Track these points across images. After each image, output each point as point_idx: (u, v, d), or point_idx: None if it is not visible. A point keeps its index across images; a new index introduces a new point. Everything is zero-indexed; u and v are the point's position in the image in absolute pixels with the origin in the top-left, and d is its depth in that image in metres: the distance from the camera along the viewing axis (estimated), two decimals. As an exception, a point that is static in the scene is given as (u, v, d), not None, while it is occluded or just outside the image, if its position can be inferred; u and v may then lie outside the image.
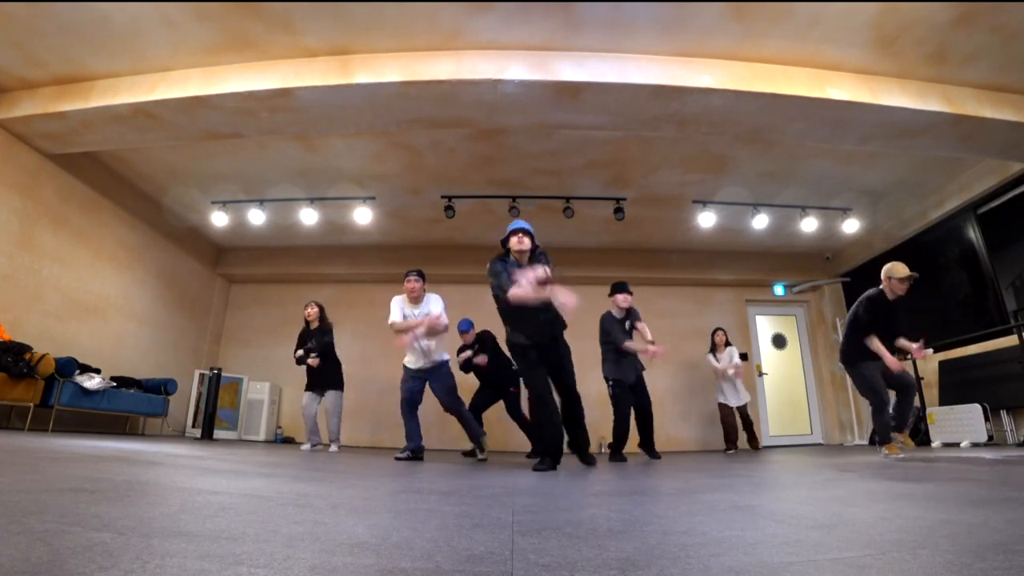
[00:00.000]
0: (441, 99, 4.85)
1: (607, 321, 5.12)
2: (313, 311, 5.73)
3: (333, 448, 5.60)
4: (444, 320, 4.47)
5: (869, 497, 1.82)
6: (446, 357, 4.71)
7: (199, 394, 7.90)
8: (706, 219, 7.33)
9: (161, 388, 6.99)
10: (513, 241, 3.49)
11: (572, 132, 5.64)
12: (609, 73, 4.64)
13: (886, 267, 4.26)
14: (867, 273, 8.39)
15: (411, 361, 4.60)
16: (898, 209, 7.44)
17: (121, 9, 4.30)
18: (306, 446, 5.58)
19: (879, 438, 4.24)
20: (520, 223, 3.55)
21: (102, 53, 4.81)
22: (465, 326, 6.05)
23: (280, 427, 8.40)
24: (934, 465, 3.22)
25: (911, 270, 4.17)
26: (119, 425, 6.85)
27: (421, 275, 4.66)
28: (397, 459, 4.24)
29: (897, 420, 4.25)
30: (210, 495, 1.58)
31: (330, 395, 5.68)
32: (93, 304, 6.52)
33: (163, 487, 1.78)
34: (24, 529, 0.92)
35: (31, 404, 5.21)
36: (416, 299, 4.59)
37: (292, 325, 6.84)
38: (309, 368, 5.60)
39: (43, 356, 5.24)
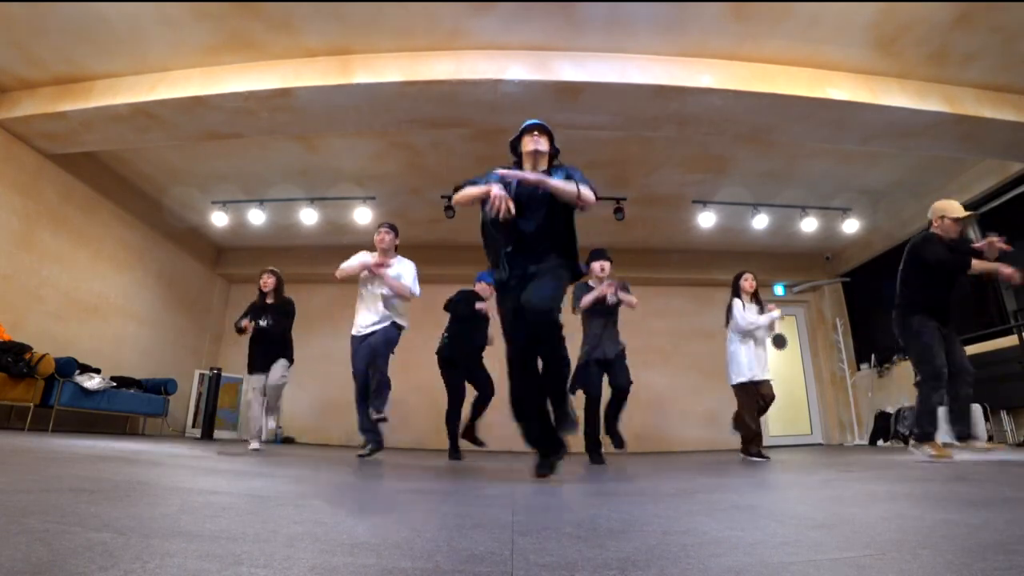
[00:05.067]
0: (441, 99, 4.85)
1: (577, 289, 4.40)
2: (269, 280, 4.78)
3: (254, 445, 4.46)
4: (412, 289, 4.15)
5: (869, 497, 1.82)
6: (405, 324, 4.20)
7: (199, 394, 7.90)
8: (706, 219, 7.32)
9: (161, 388, 6.99)
10: (527, 141, 2.64)
11: (572, 132, 5.63)
12: (609, 73, 4.64)
13: (937, 204, 3.60)
14: (867, 273, 8.40)
15: (362, 321, 4.13)
16: (898, 209, 7.44)
17: (121, 9, 4.30)
18: (257, 443, 4.52)
19: (918, 430, 3.50)
20: (536, 120, 2.73)
21: (102, 53, 4.81)
22: (486, 277, 4.93)
23: (280, 427, 8.39)
24: (934, 465, 3.22)
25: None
26: (119, 425, 6.85)
27: (393, 228, 4.31)
28: (360, 456, 3.93)
29: (953, 421, 3.52)
30: (210, 495, 1.58)
31: (277, 367, 4.62)
32: (93, 304, 6.52)
33: (163, 487, 1.78)
34: (24, 529, 0.92)
35: (31, 404, 5.21)
36: (385, 253, 4.24)
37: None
38: (254, 346, 4.70)
39: (43, 356, 5.24)
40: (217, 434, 7.59)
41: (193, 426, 7.74)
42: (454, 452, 4.82)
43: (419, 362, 4.36)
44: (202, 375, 8.00)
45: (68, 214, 6.11)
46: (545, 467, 2.48)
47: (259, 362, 4.64)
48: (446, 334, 4.94)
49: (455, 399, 4.88)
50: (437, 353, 4.91)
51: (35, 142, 5.60)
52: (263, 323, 4.64)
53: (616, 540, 1.05)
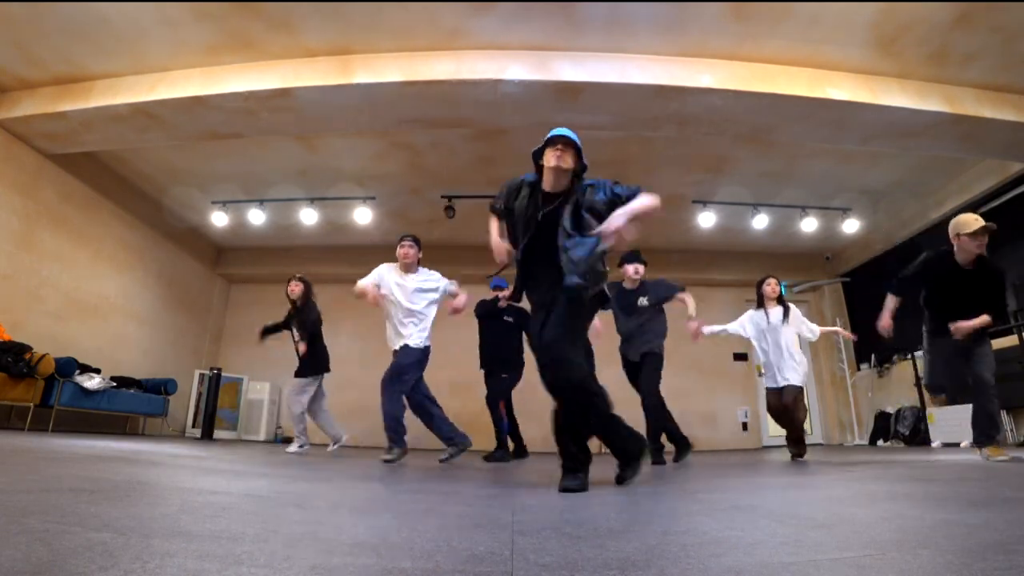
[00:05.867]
0: (441, 99, 4.85)
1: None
2: (297, 288, 4.92)
3: (332, 447, 4.96)
4: (450, 289, 4.07)
5: (869, 497, 1.82)
6: (417, 344, 4.02)
7: (199, 394, 7.90)
8: (706, 219, 7.33)
9: (161, 388, 6.99)
10: (549, 157, 2.30)
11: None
12: (609, 73, 4.64)
13: (953, 221, 3.48)
14: (867, 273, 8.40)
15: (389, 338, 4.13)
16: (898, 209, 7.44)
17: (121, 9, 4.30)
18: (294, 447, 4.74)
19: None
20: (563, 130, 2.35)
21: (102, 53, 4.81)
22: (499, 283, 4.97)
23: (280, 427, 8.40)
24: (934, 465, 3.22)
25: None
26: (119, 425, 6.85)
27: (417, 242, 4.12)
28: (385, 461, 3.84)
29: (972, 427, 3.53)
30: (210, 495, 1.57)
31: (311, 381, 4.86)
32: (93, 304, 6.52)
33: (163, 487, 1.78)
34: (24, 529, 0.92)
35: (31, 404, 5.21)
36: (408, 268, 4.07)
37: (292, 325, 6.85)
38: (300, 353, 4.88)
39: (43, 356, 5.24)
40: (217, 434, 7.60)
41: (193, 426, 7.74)
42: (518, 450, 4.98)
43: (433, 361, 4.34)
44: (202, 375, 8.00)
45: (68, 214, 6.11)
46: (573, 483, 2.02)
47: (298, 369, 4.85)
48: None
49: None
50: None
51: (35, 142, 5.60)
52: (295, 338, 4.88)
53: (616, 540, 1.05)
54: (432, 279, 4.15)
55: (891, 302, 3.68)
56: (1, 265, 5.30)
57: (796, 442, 4.42)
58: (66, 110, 5.12)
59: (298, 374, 4.83)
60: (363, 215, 7.26)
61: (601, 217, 2.35)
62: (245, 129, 5.40)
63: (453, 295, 4.14)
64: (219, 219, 7.55)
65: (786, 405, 4.43)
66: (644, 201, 2.36)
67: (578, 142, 2.37)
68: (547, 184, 2.37)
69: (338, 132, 5.73)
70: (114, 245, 6.87)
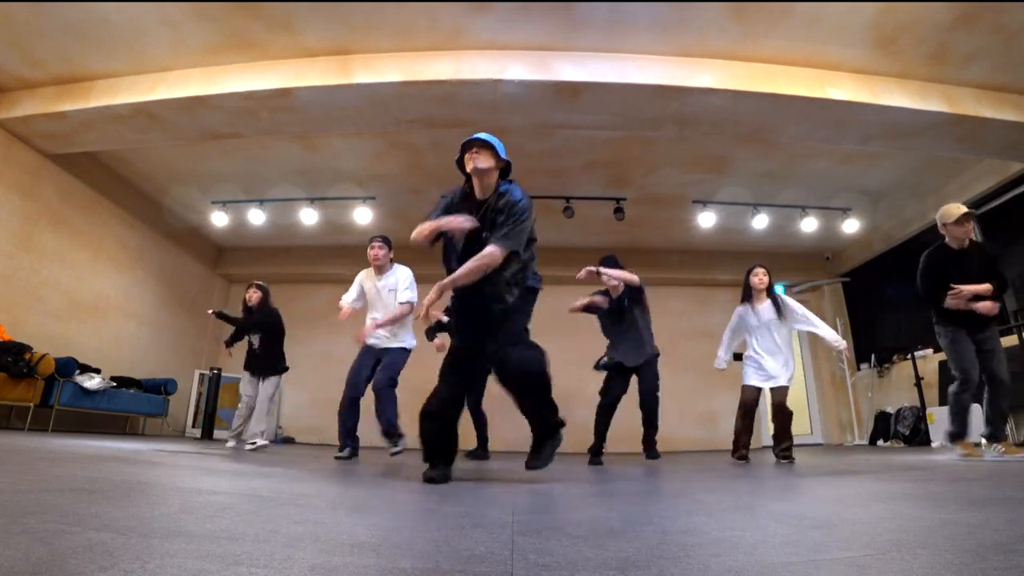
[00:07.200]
0: (441, 99, 4.85)
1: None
2: (255, 295, 5.01)
3: (261, 442, 4.71)
4: (411, 299, 4.07)
5: (869, 497, 1.82)
6: (410, 344, 4.19)
7: (199, 394, 7.91)
8: (706, 219, 7.33)
9: (161, 388, 6.99)
10: (466, 160, 2.41)
11: (572, 132, 5.64)
12: (609, 73, 4.65)
13: (937, 215, 3.62)
14: (867, 273, 8.40)
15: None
16: (898, 209, 7.44)
17: (121, 9, 4.30)
18: (232, 442, 4.86)
19: (949, 429, 3.55)
20: (479, 134, 2.44)
21: (102, 53, 4.81)
22: None
23: (280, 427, 8.40)
24: (934, 465, 3.22)
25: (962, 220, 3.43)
26: (119, 425, 6.85)
27: (386, 242, 4.17)
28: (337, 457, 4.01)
29: (985, 421, 3.54)
30: (210, 495, 1.57)
31: (271, 380, 4.92)
32: (93, 304, 6.52)
33: (163, 487, 1.78)
34: (24, 529, 0.92)
35: (31, 404, 5.21)
36: (380, 268, 4.13)
37: (293, 325, 6.85)
38: (251, 351, 5.01)
39: (43, 356, 5.24)
40: (217, 434, 7.59)
41: (193, 426, 7.74)
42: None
43: (415, 361, 4.34)
44: (202, 375, 8.00)
45: (68, 214, 6.11)
46: (433, 475, 2.19)
47: (252, 366, 4.95)
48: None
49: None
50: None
51: (35, 142, 5.60)
52: (254, 345, 4.96)
53: (616, 540, 1.05)
54: (401, 277, 4.14)
55: (951, 300, 3.57)
56: (1, 265, 5.30)
57: (738, 443, 4.59)
58: (66, 110, 5.12)
59: (271, 372, 4.91)
60: (363, 215, 7.26)
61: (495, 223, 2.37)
62: (245, 129, 5.40)
63: (404, 303, 4.06)
64: (219, 219, 7.55)
65: (778, 405, 4.51)
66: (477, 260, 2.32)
67: (494, 142, 2.40)
68: (477, 191, 2.44)
69: (338, 132, 5.73)
70: (114, 245, 6.87)
